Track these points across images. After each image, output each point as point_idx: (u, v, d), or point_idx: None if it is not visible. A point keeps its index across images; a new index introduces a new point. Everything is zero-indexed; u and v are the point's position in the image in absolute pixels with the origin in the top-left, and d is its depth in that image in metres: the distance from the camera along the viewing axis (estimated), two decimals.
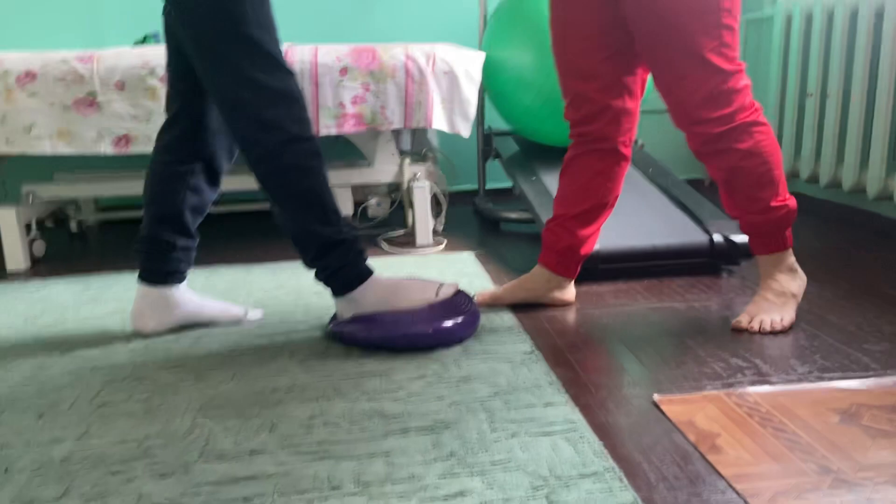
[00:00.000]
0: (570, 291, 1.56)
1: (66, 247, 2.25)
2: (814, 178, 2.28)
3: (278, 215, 1.33)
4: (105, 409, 1.10)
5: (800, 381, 1.14)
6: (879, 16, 1.98)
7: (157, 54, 1.82)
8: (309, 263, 1.36)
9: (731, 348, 1.28)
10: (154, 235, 1.39)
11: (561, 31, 1.42)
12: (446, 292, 1.40)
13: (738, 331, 1.37)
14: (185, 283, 1.44)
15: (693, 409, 1.05)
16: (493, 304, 1.55)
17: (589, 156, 1.47)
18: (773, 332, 1.34)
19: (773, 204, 1.35)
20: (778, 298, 1.38)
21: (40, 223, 2.51)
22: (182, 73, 1.34)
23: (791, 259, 1.41)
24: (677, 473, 0.90)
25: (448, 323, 1.32)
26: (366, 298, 1.36)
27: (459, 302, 1.39)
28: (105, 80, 1.78)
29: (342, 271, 1.35)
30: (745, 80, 1.31)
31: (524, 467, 0.90)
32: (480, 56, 2.07)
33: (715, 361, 1.23)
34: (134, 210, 2.44)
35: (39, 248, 2.07)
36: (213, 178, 1.43)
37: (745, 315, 1.38)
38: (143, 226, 1.40)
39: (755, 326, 1.35)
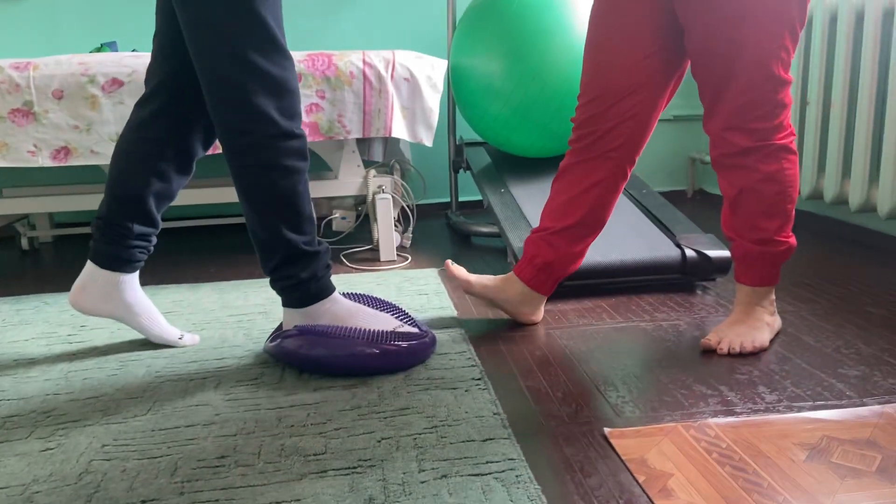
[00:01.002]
0: (538, 311, 1.46)
1: (14, 265, 2.15)
2: (816, 194, 2.18)
3: (248, 214, 1.23)
4: (0, 448, 0.99)
5: (767, 411, 1.04)
6: (861, 19, 1.89)
7: (98, 62, 1.73)
8: (269, 272, 1.26)
9: (696, 373, 1.18)
10: (111, 218, 1.28)
11: (602, 21, 1.30)
12: (407, 331, 1.29)
13: (707, 351, 1.27)
14: (136, 274, 1.33)
15: (646, 445, 0.95)
16: (462, 288, 1.45)
17: (590, 164, 1.36)
18: (742, 354, 1.24)
19: (776, 238, 1.26)
20: (752, 321, 1.29)
21: None
22: (170, 43, 1.24)
23: (772, 296, 1.32)
24: None
25: (400, 345, 1.22)
26: (319, 316, 1.26)
27: (418, 333, 1.28)
28: (42, 88, 1.69)
29: (305, 284, 1.25)
30: (790, 96, 1.22)
31: None
32: (442, 63, 1.98)
33: (677, 388, 1.13)
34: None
35: None
36: (184, 166, 1.31)
37: (713, 334, 1.28)
38: (101, 204, 1.30)
39: (724, 348, 1.25)
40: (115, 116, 1.73)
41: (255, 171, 1.18)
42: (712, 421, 1.01)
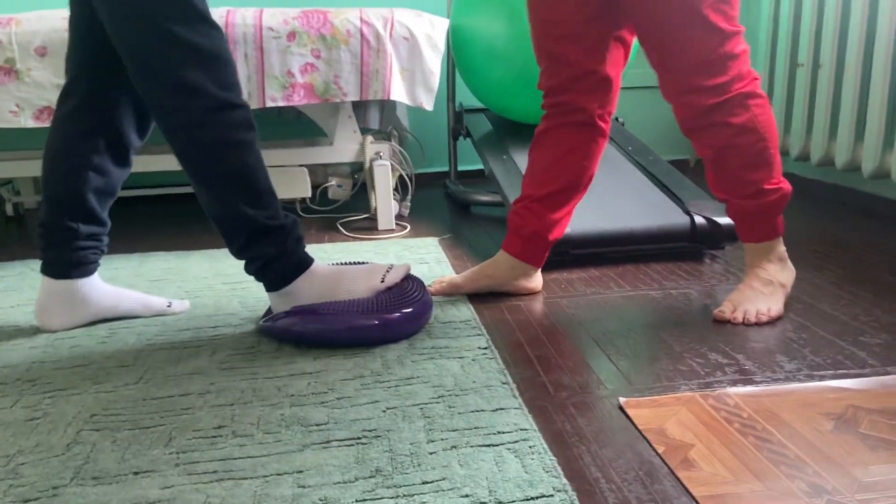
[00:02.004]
0: (536, 279, 1.41)
1: (0, 230, 2.08)
2: (804, 156, 2.13)
3: (201, 196, 1.16)
4: None
5: (787, 380, 1.00)
6: None
7: None
8: (238, 253, 1.19)
9: (710, 342, 1.14)
10: (53, 221, 1.20)
11: None
12: (394, 276, 1.24)
13: (720, 322, 1.22)
14: (95, 275, 1.26)
15: (664, 414, 0.91)
16: (452, 293, 1.40)
17: (563, 129, 1.32)
18: (759, 324, 1.20)
19: (766, 187, 1.20)
20: (765, 287, 1.24)
21: None
22: (85, 29, 1.16)
23: (781, 248, 1.26)
24: (641, 494, 0.75)
25: (397, 314, 1.17)
26: (303, 292, 1.19)
27: (410, 290, 1.23)
28: (24, 45, 1.61)
29: (277, 262, 1.18)
30: (743, 45, 1.16)
31: (460, 488, 0.76)
32: (443, 22, 1.90)
33: (692, 357, 1.08)
34: None
35: None
36: (121, 157, 1.24)
37: (727, 304, 1.24)
38: (40, 210, 1.22)
39: (738, 317, 1.21)
40: None
41: (196, 148, 1.10)
42: (731, 390, 0.97)
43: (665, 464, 0.80)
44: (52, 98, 1.64)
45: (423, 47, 1.81)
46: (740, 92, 1.16)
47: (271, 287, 1.20)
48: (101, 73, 1.18)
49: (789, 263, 1.28)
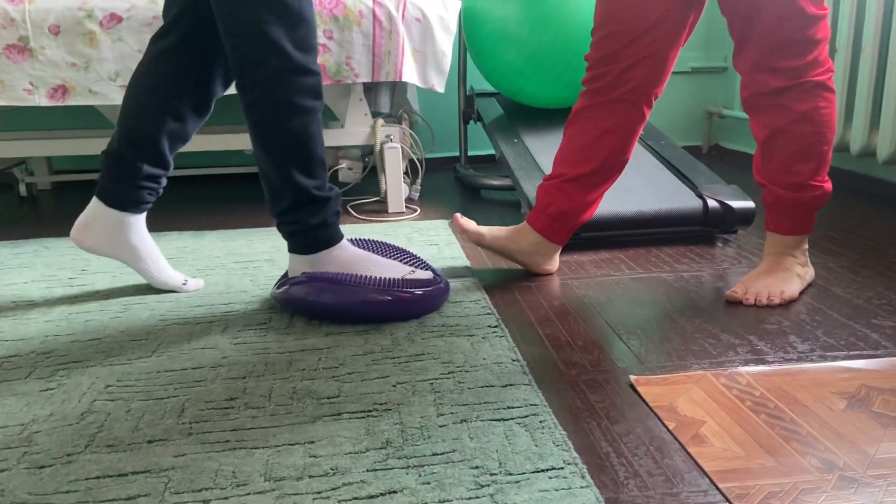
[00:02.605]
0: (553, 261, 1.40)
1: (12, 211, 2.09)
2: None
3: (258, 154, 1.16)
4: None
5: (800, 360, 1.00)
6: None
7: None
8: (278, 215, 1.20)
9: (722, 323, 1.13)
10: (121, 155, 1.21)
11: None
12: (419, 277, 1.23)
13: (732, 302, 1.22)
14: (143, 215, 1.28)
15: (675, 392, 0.91)
16: (473, 239, 1.39)
17: (604, 107, 1.29)
18: (770, 305, 1.19)
19: (810, 182, 1.19)
20: (783, 273, 1.23)
21: None
22: None
23: (805, 246, 1.26)
24: (651, 469, 0.75)
25: (411, 293, 1.17)
26: (325, 264, 1.20)
27: (430, 273, 1.23)
28: (38, 23, 1.61)
29: (313, 231, 1.19)
30: (826, 30, 1.14)
31: (470, 460, 0.76)
32: (456, 4, 1.89)
33: (704, 337, 1.08)
34: (91, 173, 2.27)
35: None
36: (202, 106, 1.24)
37: (740, 285, 1.23)
38: (112, 138, 1.23)
39: (750, 299, 1.20)
40: (114, 54, 1.65)
41: (266, 107, 1.11)
42: (743, 369, 0.96)
43: (676, 439, 0.80)
44: (66, 76, 1.64)
45: (436, 29, 1.80)
46: (812, 80, 1.14)
47: (298, 250, 1.21)
48: (199, 18, 1.18)
49: (810, 267, 1.28)
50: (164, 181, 1.28)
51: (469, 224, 1.40)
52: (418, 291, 1.17)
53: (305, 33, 1.11)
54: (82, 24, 1.63)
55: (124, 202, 1.24)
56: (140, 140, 1.21)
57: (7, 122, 2.42)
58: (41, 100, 1.64)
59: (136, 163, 1.22)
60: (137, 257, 1.29)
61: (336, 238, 1.22)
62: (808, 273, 1.28)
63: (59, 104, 1.65)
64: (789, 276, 1.24)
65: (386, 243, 1.31)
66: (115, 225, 1.25)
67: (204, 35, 1.20)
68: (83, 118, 2.46)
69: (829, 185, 1.22)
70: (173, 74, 1.20)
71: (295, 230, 1.19)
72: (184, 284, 1.33)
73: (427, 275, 1.23)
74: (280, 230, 1.21)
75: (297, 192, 1.16)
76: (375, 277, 1.18)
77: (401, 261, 1.26)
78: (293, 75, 1.10)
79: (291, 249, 1.22)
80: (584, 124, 1.31)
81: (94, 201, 1.25)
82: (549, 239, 1.37)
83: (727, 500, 0.70)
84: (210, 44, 1.21)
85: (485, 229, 1.39)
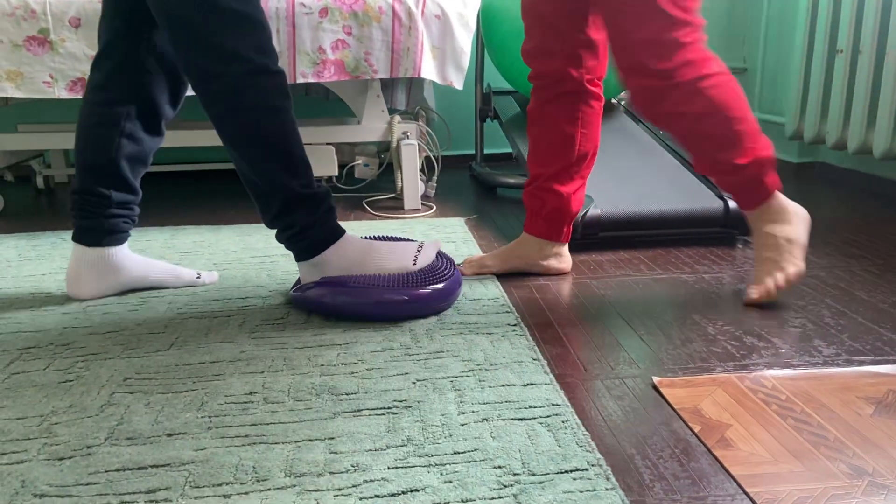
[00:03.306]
0: (565, 260, 1.39)
1: (30, 203, 2.10)
2: (841, 145, 2.09)
3: (237, 164, 1.15)
4: (16, 378, 0.95)
5: (825, 364, 0.98)
6: None
7: None
8: (270, 222, 1.18)
9: (745, 325, 1.12)
10: (86, 188, 1.21)
11: None
12: (426, 258, 1.23)
13: (754, 306, 1.20)
14: (125, 244, 1.27)
15: (699, 394, 0.89)
16: (481, 272, 1.38)
17: (554, 103, 1.30)
18: (789, 287, 1.18)
19: (739, 162, 1.16)
20: (775, 253, 1.20)
21: (0, 178, 2.36)
22: None
23: (777, 202, 1.21)
24: (677, 471, 0.74)
25: (426, 290, 1.16)
26: (332, 263, 1.19)
27: (440, 266, 1.23)
28: (58, 16, 1.61)
29: (309, 231, 1.17)
30: (695, 35, 1.13)
31: (492, 459, 0.75)
32: (476, 1, 1.88)
33: (726, 339, 1.07)
34: None
35: None
36: (153, 125, 1.24)
37: (753, 289, 1.21)
38: (74, 180, 1.23)
39: (771, 292, 1.18)
40: None
41: (235, 115, 1.10)
42: (768, 373, 0.95)
43: (701, 442, 0.79)
44: (85, 69, 1.65)
45: (455, 25, 1.79)
46: (688, 79, 1.12)
47: (301, 256, 1.20)
48: (135, 40, 1.18)
49: (792, 208, 1.22)
50: (136, 208, 1.27)
51: (472, 265, 1.39)
52: (436, 287, 1.16)
53: (261, 38, 1.10)
54: None
55: (102, 237, 1.23)
56: (100, 169, 1.20)
57: (26, 115, 2.43)
58: (61, 92, 1.64)
59: (103, 192, 1.21)
60: (141, 280, 1.28)
61: (335, 234, 1.20)
62: (797, 222, 1.21)
63: (79, 97, 1.65)
64: (783, 249, 1.19)
65: (389, 236, 1.30)
66: (102, 263, 1.24)
67: (141, 58, 1.19)
68: None
69: (762, 151, 1.17)
70: (117, 101, 1.20)
71: (292, 234, 1.18)
72: (198, 278, 1.33)
73: (434, 248, 1.24)
74: (279, 239, 1.20)
75: (284, 193, 1.14)
76: (389, 275, 1.17)
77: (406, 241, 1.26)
78: (256, 78, 1.09)
79: (297, 257, 1.21)
80: (543, 123, 1.32)
81: (75, 248, 1.24)
82: (551, 240, 1.36)
83: None
84: (148, 65, 1.20)
85: (488, 258, 1.39)
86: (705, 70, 1.13)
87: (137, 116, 1.21)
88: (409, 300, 1.14)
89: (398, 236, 1.31)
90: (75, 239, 1.23)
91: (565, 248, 1.39)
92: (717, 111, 1.14)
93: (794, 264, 1.19)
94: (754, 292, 1.20)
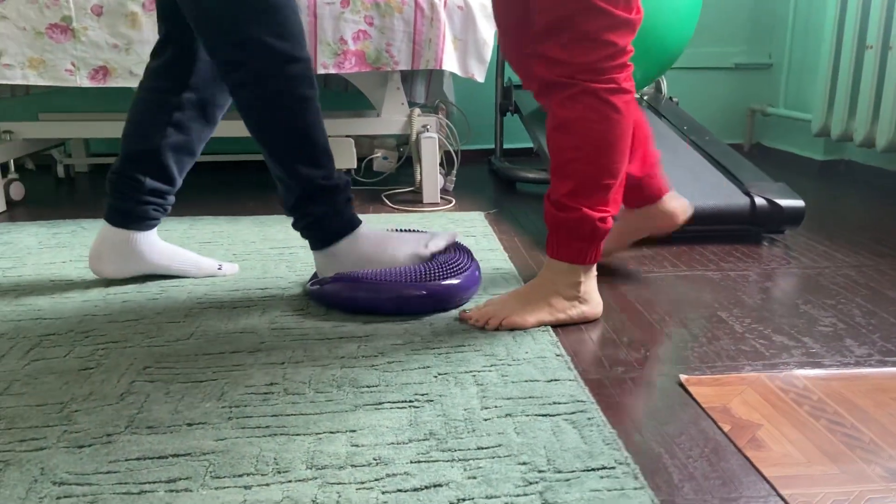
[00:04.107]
0: (673, 206, 1.27)
1: (50, 192, 2.11)
2: (869, 142, 2.04)
3: (263, 151, 1.14)
4: (36, 365, 0.94)
5: (857, 364, 0.95)
6: None
7: None
8: (289, 210, 1.18)
9: (774, 324, 1.09)
10: (124, 171, 1.21)
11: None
12: (438, 243, 1.22)
13: (782, 304, 1.17)
14: (153, 231, 1.26)
15: (728, 393, 0.87)
16: (606, 260, 1.38)
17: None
18: (486, 328, 1.07)
19: (567, 202, 1.02)
20: (532, 295, 1.09)
21: (21, 166, 2.37)
22: None
23: (580, 280, 1.07)
24: (707, 472, 0.72)
25: (444, 285, 1.14)
26: (347, 254, 1.18)
27: (458, 260, 1.21)
28: (81, 4, 1.61)
29: (326, 220, 1.16)
30: (618, 33, 0.97)
31: (517, 455, 0.73)
32: None
33: (755, 338, 1.04)
34: None
35: (17, 190, 1.93)
36: (207, 115, 1.23)
37: (473, 310, 1.11)
38: (117, 159, 1.23)
39: (474, 318, 1.08)
40: (155, 36, 1.65)
41: (260, 104, 1.09)
42: (799, 372, 0.92)
43: (731, 442, 0.77)
44: (107, 58, 1.64)
45: (478, 17, 1.77)
46: (589, 86, 0.98)
47: (316, 245, 1.19)
48: (185, 36, 1.18)
49: (589, 305, 1.09)
50: (170, 199, 1.26)
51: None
52: (451, 282, 1.15)
53: (283, 18, 1.07)
54: (125, 5, 1.62)
55: (128, 219, 1.22)
56: (141, 155, 1.20)
57: (46, 105, 2.44)
58: (82, 80, 1.64)
59: (138, 177, 1.21)
60: (164, 267, 1.28)
61: (351, 225, 1.19)
62: (576, 310, 1.08)
63: (100, 85, 1.65)
64: (537, 301, 1.07)
65: (403, 229, 1.29)
66: (124, 244, 1.23)
67: (196, 49, 1.19)
68: (122, 102, 2.47)
69: (596, 215, 1.02)
70: (170, 89, 1.19)
71: (308, 223, 1.17)
72: (219, 269, 1.32)
73: (447, 236, 1.23)
74: (295, 227, 1.19)
75: (305, 184, 1.13)
76: (404, 268, 1.15)
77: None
78: (279, 66, 1.07)
79: (312, 246, 1.20)
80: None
81: (103, 226, 1.24)
82: (645, 205, 1.27)
83: None
84: (201, 55, 1.20)
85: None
86: (609, 95, 0.99)
87: (190, 106, 1.21)
88: (428, 295, 1.13)
89: (416, 229, 1.29)
90: (105, 216, 1.24)
91: (665, 201, 1.27)
92: (578, 136, 1.01)
93: (522, 318, 1.06)
94: (473, 313, 1.09)
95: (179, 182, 1.26)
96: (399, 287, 1.12)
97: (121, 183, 1.22)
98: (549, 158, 1.06)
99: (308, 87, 1.11)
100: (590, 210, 1.03)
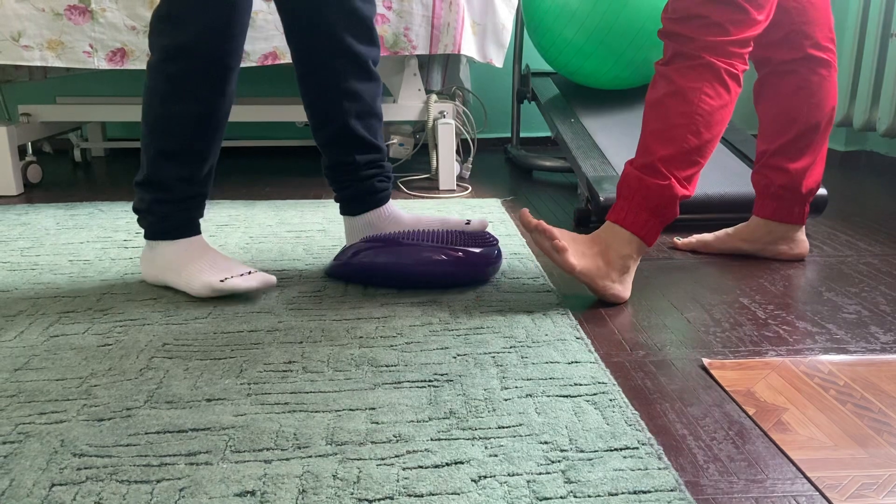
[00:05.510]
0: (799, 243, 1.30)
1: (67, 175, 2.12)
2: (893, 132, 2.01)
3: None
4: (55, 341, 0.94)
5: (883, 351, 0.94)
6: None
7: None
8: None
9: (797, 310, 1.08)
10: (334, 161, 1.20)
11: None
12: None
13: (805, 291, 1.16)
14: (388, 204, 1.26)
15: (752, 377, 0.86)
16: (700, 250, 1.35)
17: (774, 76, 1.23)
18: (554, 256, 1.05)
19: (661, 167, 1.05)
20: (591, 248, 1.08)
21: (38, 149, 2.38)
22: None
23: (633, 257, 1.08)
24: (732, 454, 0.71)
25: (467, 252, 1.14)
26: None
27: (484, 235, 1.21)
28: None
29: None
30: (733, 20, 1.05)
31: (538, 434, 0.72)
32: None
33: (778, 324, 1.03)
34: None
35: (35, 173, 1.94)
36: (364, 72, 1.17)
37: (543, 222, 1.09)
38: (324, 155, 1.22)
39: (546, 231, 1.05)
40: None
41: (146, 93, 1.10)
42: (824, 357, 0.91)
43: (756, 425, 0.76)
44: (125, 40, 1.64)
45: (497, 1, 1.75)
46: (707, 59, 1.05)
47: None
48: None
49: (623, 287, 1.09)
50: (388, 165, 1.24)
51: (690, 240, 1.36)
52: (477, 249, 1.14)
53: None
54: None
55: (364, 202, 1.23)
56: (339, 139, 1.19)
57: (64, 89, 2.45)
58: (100, 62, 1.64)
59: (347, 160, 1.20)
60: (426, 222, 1.26)
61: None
62: (613, 288, 1.07)
63: (118, 68, 1.65)
64: (590, 257, 1.07)
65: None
66: (378, 223, 1.24)
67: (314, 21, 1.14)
68: (138, 87, 2.47)
69: (680, 190, 1.06)
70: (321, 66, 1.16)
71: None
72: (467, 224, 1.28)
73: (480, 226, 1.24)
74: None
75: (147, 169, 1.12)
76: (435, 231, 1.18)
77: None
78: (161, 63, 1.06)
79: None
80: (768, 94, 1.25)
81: (345, 221, 1.25)
82: (783, 221, 1.28)
83: (817, 489, 0.65)
84: (324, 21, 1.14)
85: (708, 236, 1.35)
86: (723, 71, 1.06)
87: (346, 71, 1.15)
88: (449, 260, 1.12)
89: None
90: (343, 212, 1.25)
91: (800, 232, 1.29)
92: (694, 106, 1.05)
93: (583, 264, 1.06)
94: (540, 221, 1.05)
95: (383, 147, 1.23)
96: (421, 250, 1.13)
97: (337, 173, 1.21)
98: (645, 126, 1.08)
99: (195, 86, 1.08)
100: (677, 183, 1.06)
